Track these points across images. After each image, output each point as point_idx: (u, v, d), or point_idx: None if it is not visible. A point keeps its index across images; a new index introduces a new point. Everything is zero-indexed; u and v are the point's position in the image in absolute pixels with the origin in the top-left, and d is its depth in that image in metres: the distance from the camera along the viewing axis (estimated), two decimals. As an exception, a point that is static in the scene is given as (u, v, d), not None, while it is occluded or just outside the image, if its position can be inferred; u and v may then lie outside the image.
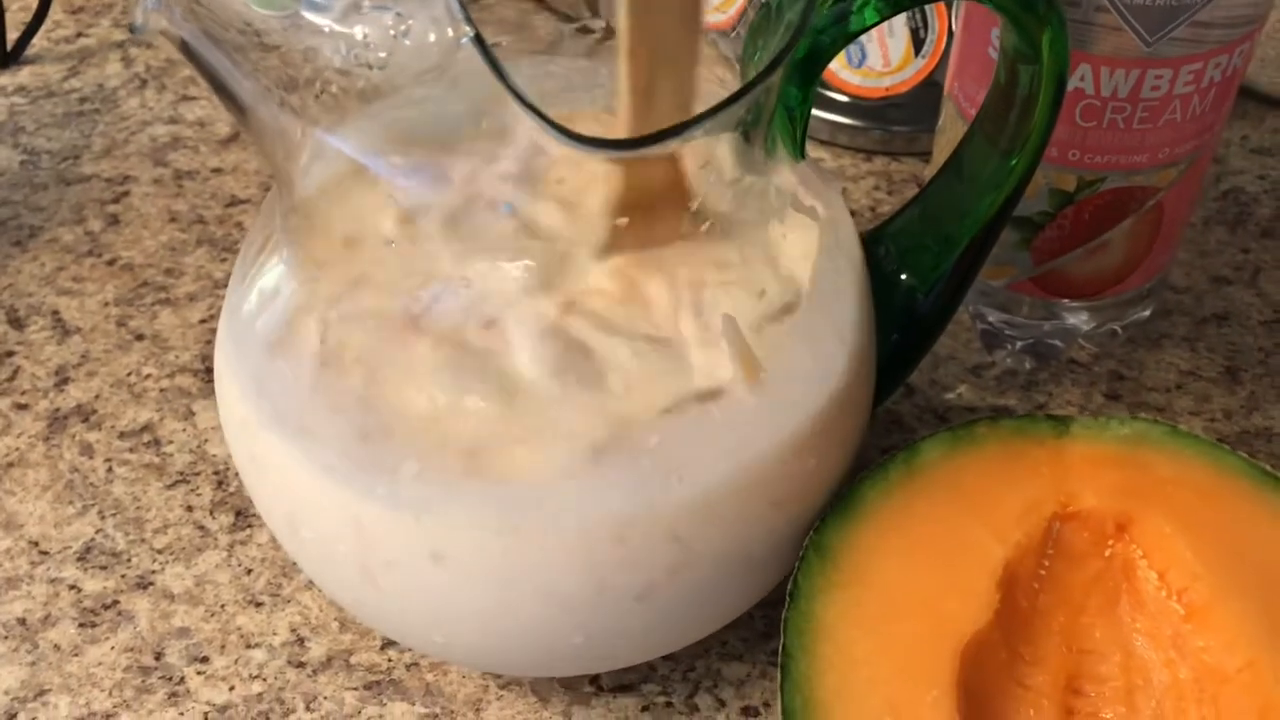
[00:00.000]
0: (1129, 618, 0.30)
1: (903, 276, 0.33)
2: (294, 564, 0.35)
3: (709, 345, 0.27)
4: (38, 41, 0.56)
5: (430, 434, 0.26)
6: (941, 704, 0.27)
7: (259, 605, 0.35)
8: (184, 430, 0.40)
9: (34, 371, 0.41)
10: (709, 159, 0.27)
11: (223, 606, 0.35)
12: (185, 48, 0.24)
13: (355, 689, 0.33)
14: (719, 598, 0.29)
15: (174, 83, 0.54)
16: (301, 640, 0.34)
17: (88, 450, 0.39)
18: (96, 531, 0.37)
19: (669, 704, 0.33)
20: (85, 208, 0.48)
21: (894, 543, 0.29)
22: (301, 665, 0.33)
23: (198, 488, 0.38)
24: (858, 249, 0.31)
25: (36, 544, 0.36)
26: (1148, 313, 0.41)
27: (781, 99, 0.28)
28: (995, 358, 0.41)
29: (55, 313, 0.43)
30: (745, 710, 0.32)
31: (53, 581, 0.35)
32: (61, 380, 0.41)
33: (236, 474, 0.38)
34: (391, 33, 0.23)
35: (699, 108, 0.25)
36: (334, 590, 0.30)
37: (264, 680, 0.33)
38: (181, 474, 0.38)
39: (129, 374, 0.41)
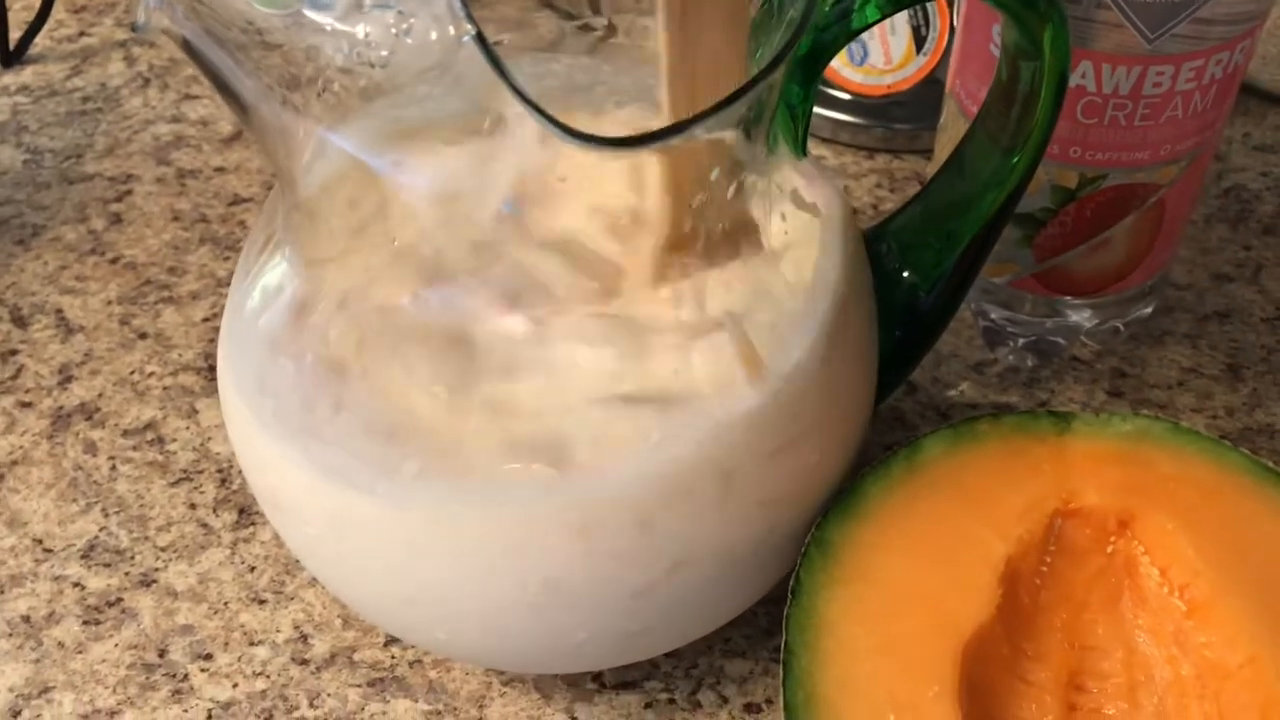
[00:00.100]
0: (1131, 614, 0.30)
1: (905, 274, 0.33)
2: (297, 561, 0.36)
3: (711, 342, 0.27)
4: (40, 41, 0.56)
5: (432, 432, 0.26)
6: (944, 700, 0.27)
7: (262, 602, 0.35)
8: (187, 428, 0.40)
9: (38, 370, 0.42)
10: (710, 157, 0.27)
11: (226, 604, 0.35)
12: (187, 46, 0.24)
13: (359, 686, 0.33)
14: (721, 594, 0.29)
15: (176, 82, 0.54)
16: (305, 637, 0.34)
17: (91, 448, 0.39)
18: (100, 529, 0.37)
19: (671, 700, 0.33)
20: (88, 206, 0.48)
21: (896, 539, 0.29)
22: (305, 662, 0.33)
23: (201, 486, 0.38)
24: (860, 247, 0.31)
25: (40, 542, 0.37)
26: (1150, 310, 0.41)
27: (783, 96, 0.28)
28: (997, 355, 0.41)
29: (59, 311, 0.44)
30: (748, 707, 0.32)
31: (57, 579, 0.36)
32: (65, 379, 0.41)
33: (239, 472, 0.38)
34: (393, 31, 0.23)
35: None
36: (337, 588, 0.30)
37: (267, 677, 0.33)
38: (185, 472, 0.38)
39: (132, 372, 0.41)
